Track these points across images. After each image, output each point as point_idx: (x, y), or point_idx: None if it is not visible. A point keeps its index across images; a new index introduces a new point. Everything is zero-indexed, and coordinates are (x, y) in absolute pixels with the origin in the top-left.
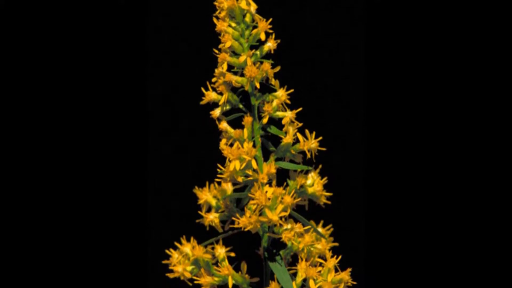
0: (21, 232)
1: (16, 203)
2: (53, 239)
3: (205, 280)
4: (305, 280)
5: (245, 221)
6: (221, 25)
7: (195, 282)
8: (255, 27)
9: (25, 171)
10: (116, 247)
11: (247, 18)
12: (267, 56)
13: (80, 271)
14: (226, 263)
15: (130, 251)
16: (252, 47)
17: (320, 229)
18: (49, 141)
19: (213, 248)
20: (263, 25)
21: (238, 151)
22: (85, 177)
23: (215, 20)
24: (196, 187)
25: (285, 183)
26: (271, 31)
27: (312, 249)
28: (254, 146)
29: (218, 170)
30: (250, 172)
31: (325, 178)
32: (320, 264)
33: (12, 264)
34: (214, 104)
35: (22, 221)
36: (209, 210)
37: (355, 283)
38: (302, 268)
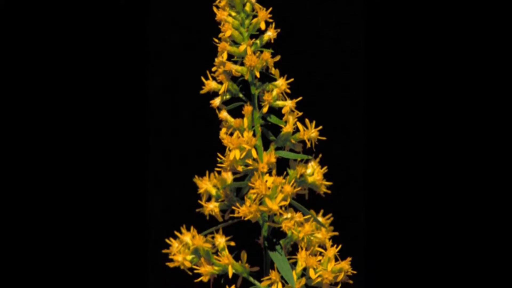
0: (22, 217)
1: (17, 191)
2: (50, 230)
3: (205, 269)
4: (305, 269)
5: (245, 211)
6: (221, 14)
7: (195, 271)
8: (255, 16)
9: (26, 160)
10: (116, 236)
11: (247, 8)
12: (267, 45)
13: (79, 261)
14: (226, 252)
15: (130, 240)
16: (252, 37)
17: (320, 218)
18: (52, 131)
19: (213, 238)
20: (263, 14)
21: (238, 140)
22: (84, 166)
23: (215, 9)
24: (196, 176)
25: (285, 172)
26: (271, 20)
27: (312, 238)
28: (254, 135)
29: (218, 159)
30: (250, 161)
31: (325, 167)
32: (320, 253)
33: (13, 253)
34: (214, 94)
35: (23, 207)
36: (209, 199)
37: (355, 272)
38: (302, 257)
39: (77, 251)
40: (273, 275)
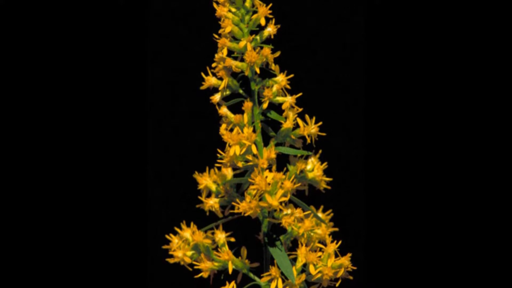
0: (22, 216)
1: (17, 188)
2: (50, 226)
3: (205, 265)
4: (305, 265)
5: (245, 206)
6: (221, 10)
7: (195, 267)
8: (255, 12)
9: (25, 157)
10: (116, 232)
11: (247, 3)
12: (267, 41)
13: (79, 257)
14: (226, 248)
15: (130, 236)
16: (252, 32)
17: (320, 214)
18: (53, 130)
19: (213, 233)
20: (263, 10)
21: (238, 136)
22: (84, 162)
23: (215, 5)
24: (196, 172)
25: (285, 168)
26: (271, 16)
27: (312, 234)
28: (254, 131)
29: (218, 155)
30: (250, 157)
31: (325, 163)
32: (320, 249)
33: (13, 250)
34: (214, 89)
35: (23, 205)
36: (209, 195)
37: (355, 268)
38: (302, 253)
39: (77, 247)
40: (273, 271)
